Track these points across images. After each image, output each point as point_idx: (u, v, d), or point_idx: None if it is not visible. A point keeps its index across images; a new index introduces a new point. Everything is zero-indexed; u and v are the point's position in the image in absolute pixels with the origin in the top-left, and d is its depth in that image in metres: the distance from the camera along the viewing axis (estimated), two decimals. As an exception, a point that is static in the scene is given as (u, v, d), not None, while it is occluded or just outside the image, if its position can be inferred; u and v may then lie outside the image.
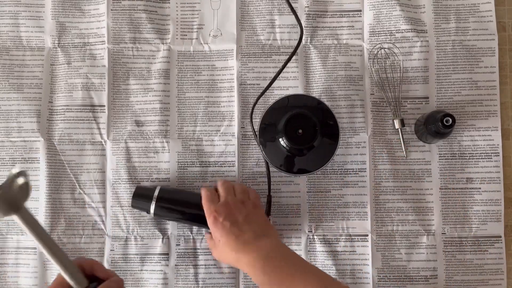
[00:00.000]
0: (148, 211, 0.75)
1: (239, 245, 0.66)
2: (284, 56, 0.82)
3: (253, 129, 0.77)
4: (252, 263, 0.65)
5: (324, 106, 0.76)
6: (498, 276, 0.78)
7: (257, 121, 0.78)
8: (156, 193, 0.75)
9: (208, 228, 0.76)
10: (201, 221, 0.76)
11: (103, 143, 0.81)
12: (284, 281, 0.62)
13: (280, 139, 0.74)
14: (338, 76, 0.81)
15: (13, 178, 0.50)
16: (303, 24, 0.81)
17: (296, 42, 0.82)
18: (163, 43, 0.82)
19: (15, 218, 0.50)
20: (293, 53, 0.76)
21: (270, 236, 0.68)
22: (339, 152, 0.79)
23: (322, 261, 0.78)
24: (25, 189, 0.51)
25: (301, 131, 0.72)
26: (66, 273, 0.53)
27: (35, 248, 0.79)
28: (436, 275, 0.78)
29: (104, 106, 0.81)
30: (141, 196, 0.76)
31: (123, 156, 0.80)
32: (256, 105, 0.78)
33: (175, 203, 0.76)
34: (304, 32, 0.82)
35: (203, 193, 0.72)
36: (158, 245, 0.79)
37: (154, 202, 0.75)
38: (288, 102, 0.77)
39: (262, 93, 0.77)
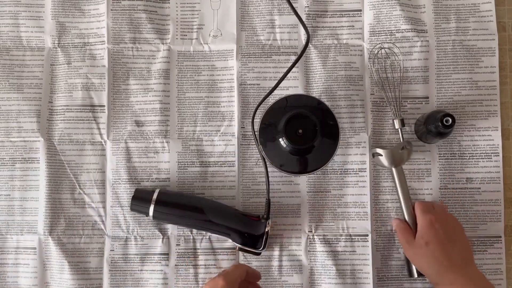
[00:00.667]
0: (147, 214, 0.75)
1: (445, 261, 0.68)
2: (284, 56, 0.82)
3: (254, 132, 0.77)
4: None
5: (324, 106, 0.76)
6: (497, 276, 0.78)
7: (257, 121, 0.78)
8: (154, 196, 0.75)
9: (204, 230, 0.77)
10: (199, 225, 0.77)
11: (103, 143, 0.81)
12: None
13: (280, 139, 0.74)
14: (338, 76, 0.81)
15: (409, 145, 0.76)
16: (301, 24, 0.81)
17: (297, 42, 0.82)
18: (163, 43, 0.82)
19: (393, 170, 0.76)
20: (300, 57, 0.76)
21: (474, 264, 0.71)
22: (339, 152, 0.79)
23: (322, 261, 0.78)
24: (408, 154, 0.76)
25: (301, 131, 0.72)
26: (409, 223, 0.74)
27: (34, 248, 0.79)
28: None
29: (104, 106, 0.81)
30: (139, 199, 0.76)
31: (123, 156, 0.80)
32: (254, 106, 0.78)
33: (173, 206, 0.76)
34: (304, 33, 0.82)
35: (420, 204, 0.74)
36: (158, 245, 0.79)
37: (153, 205, 0.75)
38: (288, 102, 0.77)
39: (265, 98, 0.78)
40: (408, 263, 0.76)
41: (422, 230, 0.70)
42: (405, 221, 0.74)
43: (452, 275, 0.68)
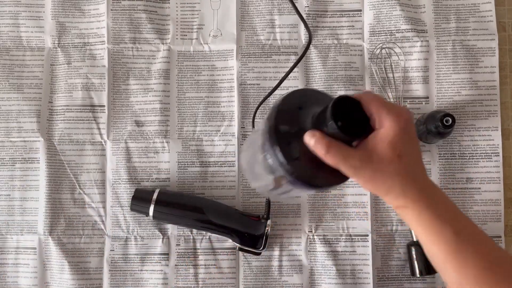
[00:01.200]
0: (147, 214, 0.75)
1: (423, 179, 0.50)
2: (284, 56, 0.82)
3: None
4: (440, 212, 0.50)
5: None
6: (498, 276, 0.78)
7: (257, 121, 0.78)
8: (154, 196, 0.75)
9: (204, 230, 0.77)
10: (199, 225, 0.77)
11: (103, 143, 0.81)
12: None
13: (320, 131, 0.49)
14: (338, 76, 0.81)
15: None
16: (303, 24, 0.81)
17: (297, 42, 0.82)
18: (163, 43, 0.82)
19: None
20: (302, 57, 0.76)
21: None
22: (339, 152, 0.79)
23: (322, 261, 0.78)
24: None
25: (340, 123, 0.47)
26: None
27: (34, 248, 0.79)
28: (434, 275, 0.77)
29: (104, 106, 0.81)
30: (139, 199, 0.76)
31: (123, 156, 0.80)
32: (254, 106, 0.78)
33: (173, 206, 0.76)
34: (304, 32, 0.82)
35: (370, 95, 0.49)
36: (158, 245, 0.79)
37: (153, 205, 0.75)
38: (298, 99, 0.54)
39: (265, 98, 0.78)
40: (411, 261, 0.75)
41: (394, 137, 0.47)
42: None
43: (425, 195, 0.50)
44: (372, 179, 0.48)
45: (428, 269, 0.74)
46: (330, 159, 0.47)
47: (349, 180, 0.79)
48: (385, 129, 0.47)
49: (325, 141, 0.47)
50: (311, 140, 0.48)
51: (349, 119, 0.47)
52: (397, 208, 0.51)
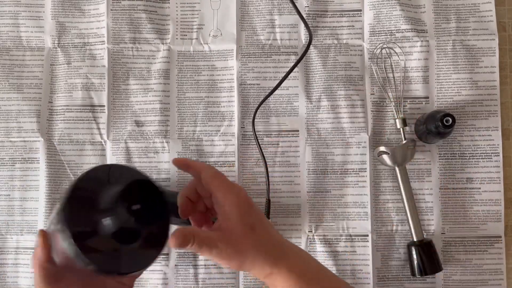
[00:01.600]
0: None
1: (276, 242, 0.53)
2: (284, 56, 0.82)
3: (254, 132, 0.77)
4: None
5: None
6: (497, 276, 0.78)
7: (257, 121, 0.78)
8: None
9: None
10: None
11: (103, 143, 0.81)
12: None
13: (109, 218, 0.50)
14: (338, 76, 0.81)
15: (412, 143, 0.76)
16: (303, 24, 0.81)
17: (297, 42, 0.82)
18: (163, 43, 0.82)
19: (396, 169, 0.76)
20: (302, 57, 0.76)
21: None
22: (339, 152, 0.79)
23: (322, 261, 0.78)
24: (412, 153, 0.77)
25: (139, 206, 0.49)
26: (412, 223, 0.76)
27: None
28: (435, 275, 0.78)
29: (104, 106, 0.81)
30: None
31: (123, 156, 0.80)
32: (254, 106, 0.78)
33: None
34: (304, 32, 0.82)
35: (210, 172, 0.54)
36: (158, 245, 0.79)
37: None
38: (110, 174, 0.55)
39: (265, 98, 0.78)
40: (411, 261, 0.76)
41: (240, 213, 0.51)
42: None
43: (287, 257, 0.52)
44: (235, 257, 0.51)
45: (428, 269, 0.74)
46: (201, 249, 0.51)
47: (349, 180, 0.79)
48: (229, 207, 0.51)
49: (202, 238, 0.51)
50: (182, 242, 0.53)
51: (144, 202, 0.49)
52: (265, 278, 0.52)
